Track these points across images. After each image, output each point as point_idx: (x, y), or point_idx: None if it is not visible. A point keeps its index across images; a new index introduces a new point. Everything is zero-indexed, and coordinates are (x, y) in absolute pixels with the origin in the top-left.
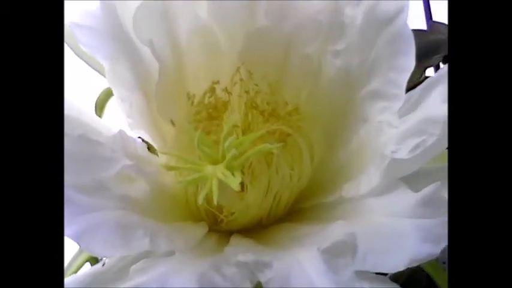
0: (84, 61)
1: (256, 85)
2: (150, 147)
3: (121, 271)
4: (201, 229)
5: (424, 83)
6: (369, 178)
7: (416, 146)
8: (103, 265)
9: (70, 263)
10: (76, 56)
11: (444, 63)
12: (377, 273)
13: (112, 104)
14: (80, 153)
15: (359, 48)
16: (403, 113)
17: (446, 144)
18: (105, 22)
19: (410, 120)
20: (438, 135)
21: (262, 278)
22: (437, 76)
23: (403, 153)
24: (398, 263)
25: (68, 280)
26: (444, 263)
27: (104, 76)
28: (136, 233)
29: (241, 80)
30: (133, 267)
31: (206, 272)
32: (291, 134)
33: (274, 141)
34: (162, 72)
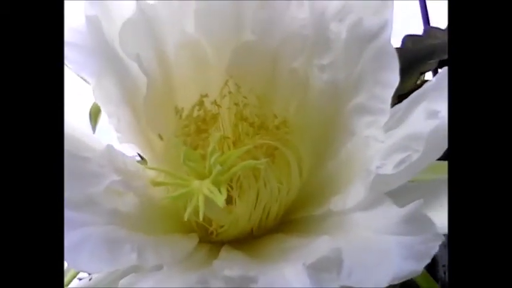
0: None
1: (245, 97)
2: (144, 159)
3: (110, 285)
4: (190, 241)
5: (409, 98)
6: (355, 192)
7: (401, 162)
8: (90, 279)
9: None
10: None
11: (440, 67)
12: None
13: None
14: (68, 169)
15: (344, 63)
16: (389, 127)
17: (431, 159)
18: (91, 38)
19: (396, 135)
20: (422, 151)
21: None
22: (422, 91)
23: (388, 169)
24: (381, 280)
25: None
26: (444, 266)
27: None
28: (123, 247)
29: (229, 92)
30: (122, 281)
31: (193, 286)
32: (279, 148)
33: (262, 154)
34: (149, 86)
